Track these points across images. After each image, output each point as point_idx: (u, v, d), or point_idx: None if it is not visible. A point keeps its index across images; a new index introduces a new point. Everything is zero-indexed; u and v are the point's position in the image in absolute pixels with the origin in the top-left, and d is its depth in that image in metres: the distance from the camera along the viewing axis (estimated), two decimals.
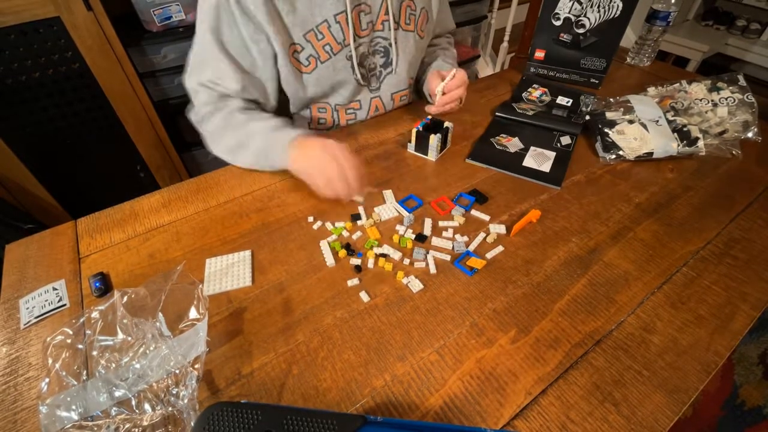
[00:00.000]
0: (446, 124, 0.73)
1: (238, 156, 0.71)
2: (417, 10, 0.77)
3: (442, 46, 0.94)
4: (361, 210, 0.64)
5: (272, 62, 0.69)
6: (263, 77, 0.71)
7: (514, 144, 0.77)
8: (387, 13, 0.73)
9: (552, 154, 0.74)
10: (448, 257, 0.57)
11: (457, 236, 0.59)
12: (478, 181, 0.69)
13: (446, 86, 0.74)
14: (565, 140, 0.77)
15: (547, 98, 0.89)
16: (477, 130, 0.81)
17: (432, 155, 0.74)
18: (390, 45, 0.77)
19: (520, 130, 0.80)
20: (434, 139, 0.71)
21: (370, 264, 0.56)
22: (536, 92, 0.91)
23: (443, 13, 0.88)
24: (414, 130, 0.73)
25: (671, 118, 0.75)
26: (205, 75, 0.68)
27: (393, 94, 0.84)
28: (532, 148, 0.75)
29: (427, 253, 0.57)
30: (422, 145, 0.74)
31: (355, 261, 0.56)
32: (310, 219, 0.63)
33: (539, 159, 0.73)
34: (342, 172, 0.60)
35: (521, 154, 0.74)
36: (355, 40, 0.72)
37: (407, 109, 0.89)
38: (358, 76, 0.76)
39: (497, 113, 0.84)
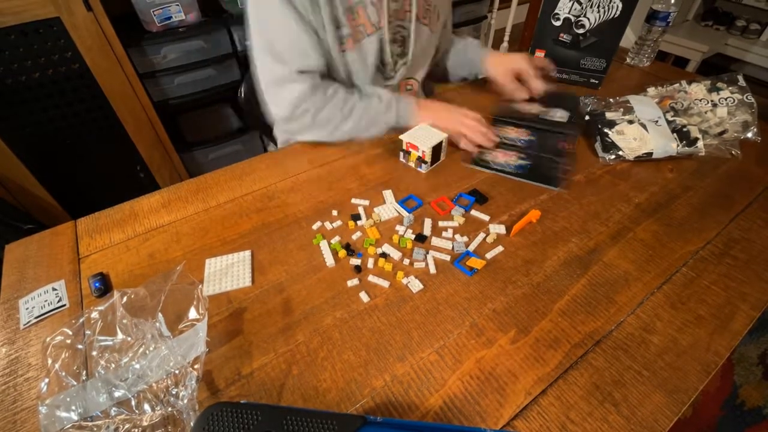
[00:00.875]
0: (441, 138, 0.70)
1: (359, 137, 0.77)
2: (432, 7, 0.80)
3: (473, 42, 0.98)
4: (361, 210, 0.64)
5: (323, 34, 0.70)
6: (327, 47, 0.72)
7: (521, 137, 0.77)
8: (411, 4, 0.75)
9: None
10: (447, 257, 0.57)
11: (457, 236, 0.60)
12: (478, 181, 0.69)
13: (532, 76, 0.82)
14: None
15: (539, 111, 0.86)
16: None
17: (423, 168, 0.72)
18: (408, 36, 0.78)
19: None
20: (415, 156, 0.71)
21: (370, 264, 0.56)
22: (513, 134, 0.80)
23: (450, 19, 0.93)
24: (405, 141, 0.71)
25: (671, 119, 0.75)
26: (297, 62, 0.69)
27: (400, 82, 0.85)
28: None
29: (427, 253, 0.57)
30: (414, 157, 0.72)
31: (355, 261, 0.56)
32: (315, 226, 0.63)
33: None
34: (474, 129, 0.72)
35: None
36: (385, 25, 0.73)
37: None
38: (382, 61, 0.78)
39: (495, 116, 0.83)
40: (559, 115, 0.82)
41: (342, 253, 0.57)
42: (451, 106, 0.77)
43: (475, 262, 0.55)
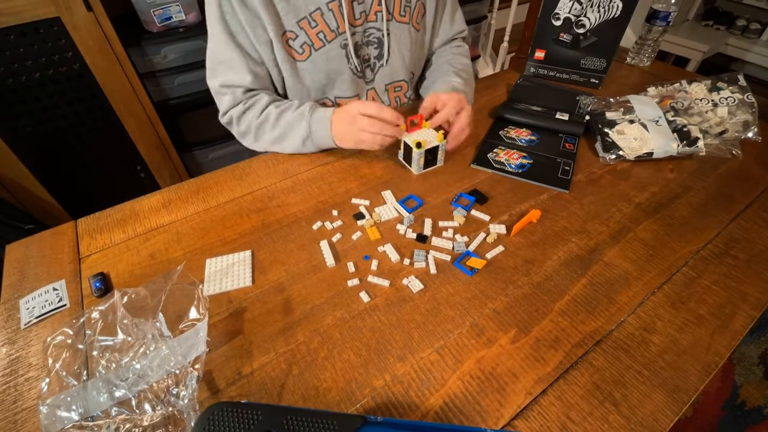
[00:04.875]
0: (440, 143, 0.69)
1: (283, 146, 0.75)
2: (412, 3, 0.77)
3: (449, 56, 0.87)
4: (363, 210, 0.64)
5: (270, 48, 0.71)
6: (267, 64, 0.73)
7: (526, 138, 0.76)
8: (380, 3, 0.73)
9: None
10: (448, 257, 0.57)
11: (458, 236, 0.60)
12: (478, 181, 0.69)
13: (451, 134, 0.71)
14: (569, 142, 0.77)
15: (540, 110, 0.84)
16: (478, 131, 0.81)
17: (414, 168, 0.71)
18: (383, 36, 0.77)
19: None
20: (416, 154, 0.68)
21: (373, 265, 0.56)
22: (521, 133, 0.80)
23: (451, 15, 0.87)
24: (403, 140, 0.69)
25: (671, 119, 0.75)
26: (225, 76, 0.72)
27: (387, 85, 0.84)
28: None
29: (427, 253, 0.57)
30: (408, 156, 0.71)
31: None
32: (315, 226, 0.63)
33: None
34: (372, 132, 0.66)
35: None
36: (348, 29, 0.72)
37: (410, 108, 0.89)
38: (354, 65, 0.76)
39: (498, 115, 0.83)
40: (560, 114, 0.82)
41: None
42: (352, 110, 0.66)
43: (476, 262, 0.55)
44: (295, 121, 0.71)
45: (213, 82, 0.73)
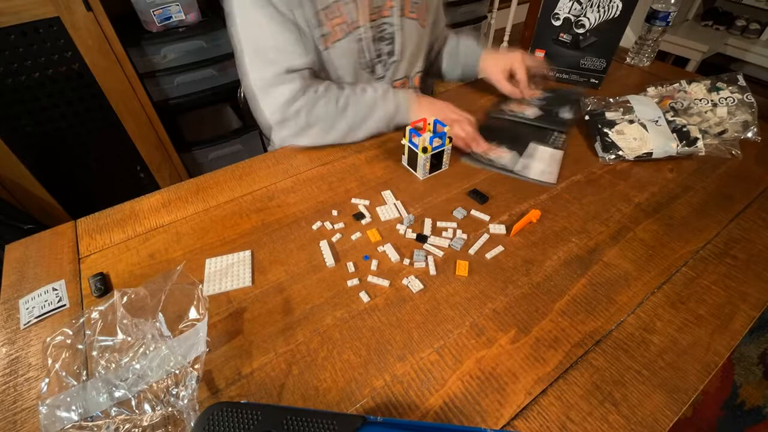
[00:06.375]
0: (446, 146, 0.68)
1: (357, 132, 0.75)
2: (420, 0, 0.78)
3: (470, 37, 0.95)
4: (363, 210, 0.64)
5: (311, 29, 0.69)
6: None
7: (503, 157, 0.73)
8: None
9: (546, 154, 0.74)
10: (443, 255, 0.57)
11: (458, 231, 0.60)
12: (478, 181, 0.69)
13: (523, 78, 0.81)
14: (558, 138, 0.78)
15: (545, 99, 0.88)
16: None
17: (420, 174, 0.70)
18: (395, 32, 0.77)
19: (512, 132, 0.79)
20: (422, 159, 0.67)
21: (373, 265, 0.56)
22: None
23: (442, 10, 0.89)
24: (406, 144, 0.69)
25: (671, 119, 0.75)
26: (286, 60, 0.67)
27: (394, 82, 0.84)
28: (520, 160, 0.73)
29: (427, 253, 0.57)
30: (413, 161, 0.70)
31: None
32: (315, 226, 0.63)
33: (531, 166, 0.72)
34: (462, 122, 0.70)
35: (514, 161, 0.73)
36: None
37: None
38: (367, 60, 0.77)
39: (489, 114, 0.84)
40: (561, 112, 0.83)
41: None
42: (450, 106, 0.75)
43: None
44: (379, 100, 0.73)
45: (266, 72, 0.67)
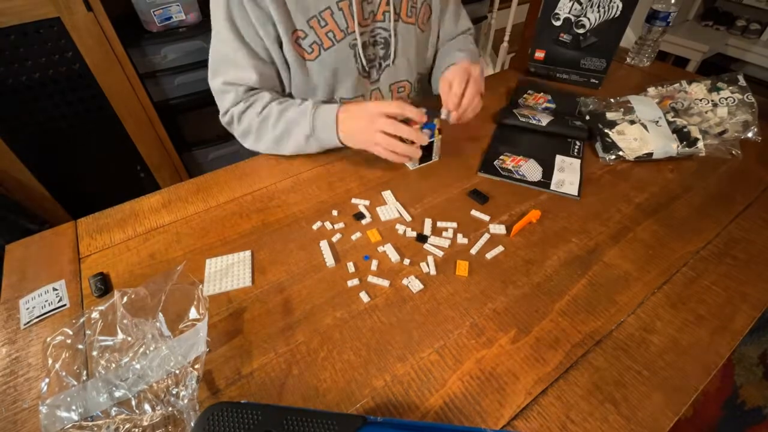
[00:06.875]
0: (435, 138, 0.69)
1: (285, 146, 0.73)
2: (418, 3, 0.77)
3: (458, 42, 0.88)
4: (364, 210, 0.64)
5: (279, 46, 0.70)
6: (276, 62, 0.72)
7: (527, 167, 0.71)
8: (388, 3, 0.73)
9: (573, 165, 0.71)
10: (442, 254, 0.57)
11: (459, 236, 0.59)
12: (478, 181, 0.69)
13: (456, 102, 0.69)
14: (579, 147, 0.75)
15: (552, 106, 0.86)
16: (480, 132, 0.81)
17: (409, 164, 0.72)
18: (390, 36, 0.77)
19: (530, 141, 0.77)
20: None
21: (373, 265, 0.56)
22: (539, 99, 0.88)
23: (455, 14, 0.87)
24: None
25: (671, 119, 0.75)
26: (229, 74, 0.70)
27: (391, 85, 0.84)
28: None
29: (427, 253, 0.57)
30: None
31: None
32: (315, 226, 0.63)
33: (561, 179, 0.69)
34: (388, 141, 0.63)
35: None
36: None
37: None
38: (361, 65, 0.77)
39: (500, 121, 0.81)
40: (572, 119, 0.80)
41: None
42: (370, 109, 0.64)
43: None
44: (298, 117, 0.69)
45: (215, 81, 0.72)
